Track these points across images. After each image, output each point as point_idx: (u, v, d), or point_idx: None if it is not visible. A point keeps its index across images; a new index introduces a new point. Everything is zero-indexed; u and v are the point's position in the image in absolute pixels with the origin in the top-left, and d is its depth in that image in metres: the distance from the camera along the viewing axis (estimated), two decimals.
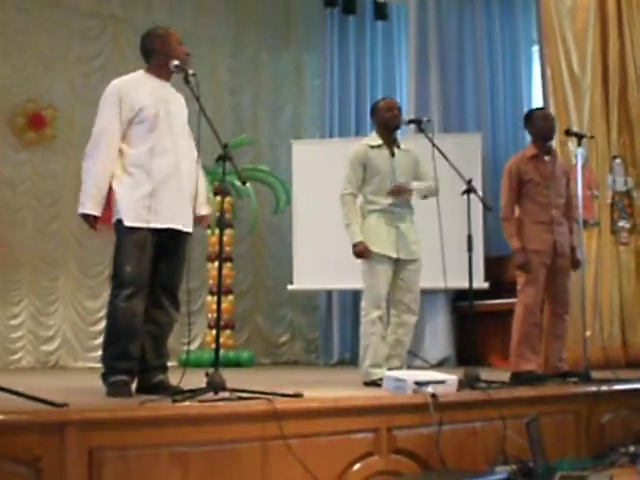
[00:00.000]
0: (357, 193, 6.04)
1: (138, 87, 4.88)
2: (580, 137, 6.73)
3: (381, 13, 10.85)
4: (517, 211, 6.41)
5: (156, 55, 4.98)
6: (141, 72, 5.01)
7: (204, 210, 5.13)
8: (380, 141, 6.07)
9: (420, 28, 10.06)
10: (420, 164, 6.16)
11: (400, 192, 5.94)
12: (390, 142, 6.09)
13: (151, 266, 4.81)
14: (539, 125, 6.50)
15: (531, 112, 6.72)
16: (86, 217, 4.71)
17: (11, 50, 9.63)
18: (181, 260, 4.96)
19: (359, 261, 5.99)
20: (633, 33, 8.94)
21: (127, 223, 4.70)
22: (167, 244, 4.84)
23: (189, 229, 4.96)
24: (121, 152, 4.80)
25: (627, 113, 8.81)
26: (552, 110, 8.14)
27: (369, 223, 5.97)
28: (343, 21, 11.15)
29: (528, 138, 6.66)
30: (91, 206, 4.69)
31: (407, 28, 10.43)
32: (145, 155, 4.77)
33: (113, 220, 4.77)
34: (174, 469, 3.76)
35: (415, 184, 6.02)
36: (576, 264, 6.52)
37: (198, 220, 5.11)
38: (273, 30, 11.38)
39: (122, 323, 4.69)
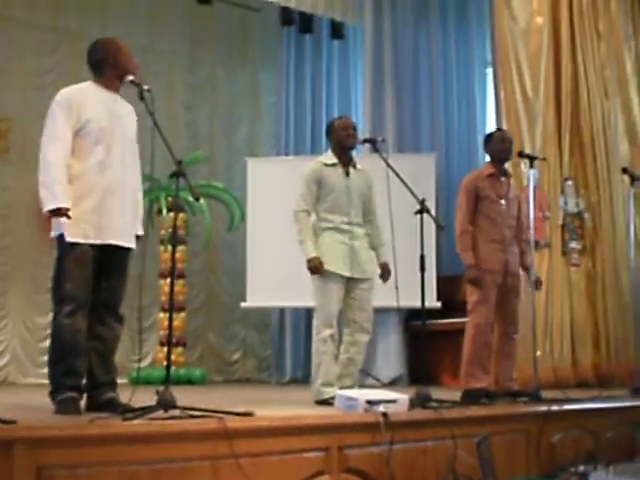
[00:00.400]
0: (311, 210, 6.03)
1: (87, 98, 4.79)
2: (532, 159, 6.81)
3: (337, 32, 10.89)
4: (470, 229, 6.45)
5: (105, 67, 4.90)
6: (89, 83, 4.91)
7: (140, 230, 5.07)
8: (335, 160, 6.09)
9: (376, 48, 10.12)
10: (373, 188, 6.18)
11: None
12: (345, 161, 6.11)
13: (93, 282, 4.77)
14: (497, 147, 6.58)
15: (490, 134, 6.81)
16: (57, 212, 4.56)
17: None
18: (123, 276, 4.91)
19: (311, 279, 6.00)
20: (586, 57, 9.07)
21: (69, 239, 4.62)
22: (109, 260, 4.78)
23: (131, 245, 4.91)
24: (69, 165, 4.70)
25: (579, 136, 8.93)
26: None
27: (322, 241, 5.96)
28: (300, 40, 11.18)
29: (482, 159, 6.74)
30: (62, 199, 4.54)
31: (363, 48, 10.47)
32: (91, 169, 4.69)
33: (53, 234, 4.68)
34: None
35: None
36: (537, 284, 6.59)
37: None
38: (230, 47, 11.38)
39: (66, 340, 4.65)
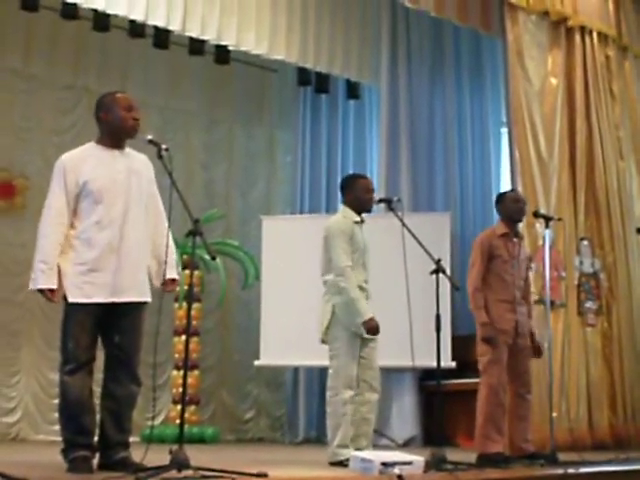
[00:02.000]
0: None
1: (84, 160, 4.80)
2: (548, 219, 6.82)
3: (353, 93, 10.95)
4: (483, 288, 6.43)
5: (102, 124, 4.92)
6: (91, 144, 4.93)
7: (172, 273, 4.98)
8: (358, 218, 6.09)
9: (391, 108, 10.16)
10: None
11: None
12: (361, 220, 6.13)
13: (104, 340, 4.76)
14: (510, 207, 6.57)
15: (503, 194, 6.79)
16: (42, 292, 4.65)
17: None
18: (136, 332, 4.86)
19: (327, 338, 5.95)
20: (600, 118, 9.11)
21: (70, 299, 4.66)
22: (119, 316, 4.76)
23: (141, 299, 4.86)
24: (72, 226, 4.75)
25: (594, 196, 8.93)
26: (520, 191, 8.24)
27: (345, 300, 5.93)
28: (316, 99, 11.25)
29: (496, 218, 6.71)
30: (43, 281, 4.63)
31: (379, 108, 10.52)
32: (90, 228, 4.71)
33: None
34: None
35: None
36: (538, 351, 6.54)
37: (166, 284, 4.96)
38: (247, 106, 11.46)
39: (70, 397, 4.66)
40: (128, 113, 4.90)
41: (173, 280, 5.01)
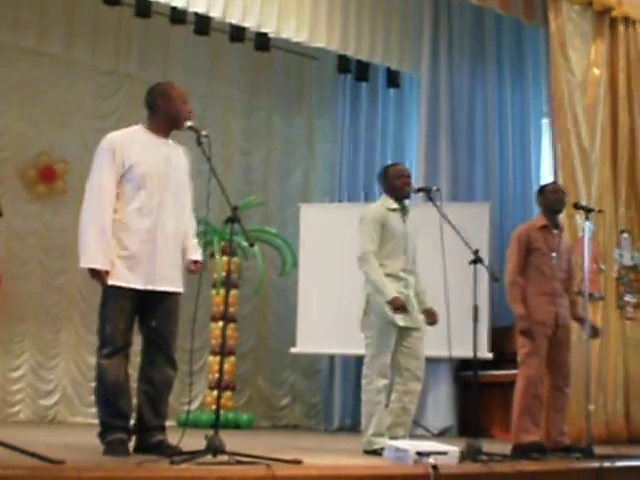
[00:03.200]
0: (376, 252, 5.96)
1: (132, 143, 4.81)
2: (588, 211, 6.77)
3: (393, 81, 10.91)
4: (521, 281, 6.39)
5: (156, 111, 4.93)
6: (138, 127, 4.95)
7: (195, 255, 4.97)
8: (396, 205, 6.06)
9: (432, 97, 10.14)
10: (418, 236, 6.17)
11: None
12: (402, 207, 6.10)
13: (141, 325, 4.79)
14: (550, 198, 6.53)
15: (543, 186, 6.75)
16: (95, 272, 4.63)
17: (25, 104, 9.71)
18: (172, 318, 4.88)
19: (363, 326, 5.95)
20: None
21: (110, 282, 4.66)
22: (156, 303, 4.79)
23: (176, 289, 4.87)
24: (114, 210, 4.74)
25: (635, 188, 8.86)
26: (561, 183, 8.19)
27: None
28: (356, 88, 11.23)
29: (536, 209, 6.68)
30: (101, 261, 4.61)
31: (419, 97, 10.50)
32: (131, 215, 4.72)
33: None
34: None
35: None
36: (596, 332, 6.52)
37: (190, 264, 4.95)
38: (286, 94, 11.48)
39: (107, 381, 4.70)
40: (185, 105, 4.94)
41: (195, 261, 4.97)
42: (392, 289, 5.79)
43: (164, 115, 4.90)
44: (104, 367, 4.70)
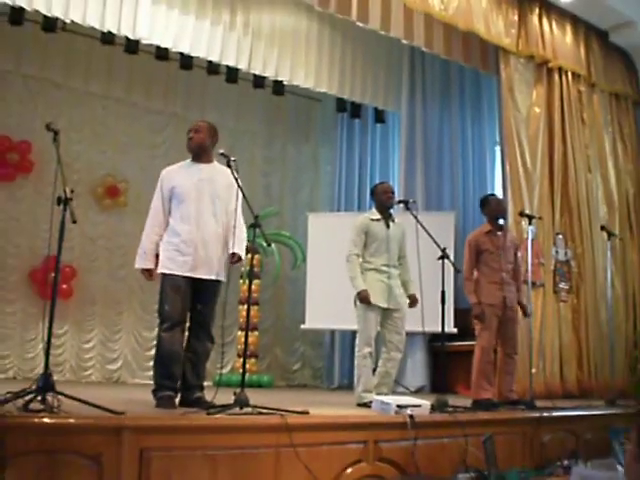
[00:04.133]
0: (360, 254, 6.00)
1: (177, 172, 4.99)
2: (531, 217, 6.77)
3: (380, 118, 10.93)
4: (475, 273, 6.41)
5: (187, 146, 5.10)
6: (188, 160, 5.08)
7: (237, 248, 4.89)
8: (379, 216, 6.08)
9: (409, 130, 10.15)
10: (405, 237, 6.18)
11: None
12: (386, 216, 6.11)
13: (190, 307, 4.81)
14: (492, 207, 6.53)
15: (486, 197, 6.72)
16: (142, 270, 4.91)
17: (96, 138, 9.74)
18: (212, 302, 4.92)
19: (355, 308, 5.96)
20: (573, 140, 9.03)
21: (164, 271, 4.79)
22: (200, 289, 4.84)
23: (217, 277, 4.89)
24: (168, 221, 4.91)
25: (568, 200, 8.85)
26: (509, 196, 8.22)
27: (366, 278, 5.93)
28: (350, 123, 11.24)
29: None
30: (140, 262, 4.90)
31: (399, 130, 10.51)
32: (178, 222, 4.84)
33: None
34: (205, 468, 3.74)
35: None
36: (525, 312, 6.50)
37: (233, 256, 4.90)
38: (297, 128, 11.48)
39: (165, 349, 4.72)
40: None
41: (233, 254, 4.91)
42: (361, 284, 5.85)
43: (188, 147, 5.05)
44: (163, 339, 4.73)
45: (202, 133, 5.02)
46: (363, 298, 5.81)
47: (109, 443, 3.46)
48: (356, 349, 5.91)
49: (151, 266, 4.85)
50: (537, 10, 8.96)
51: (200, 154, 5.01)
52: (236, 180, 4.70)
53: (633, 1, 9.33)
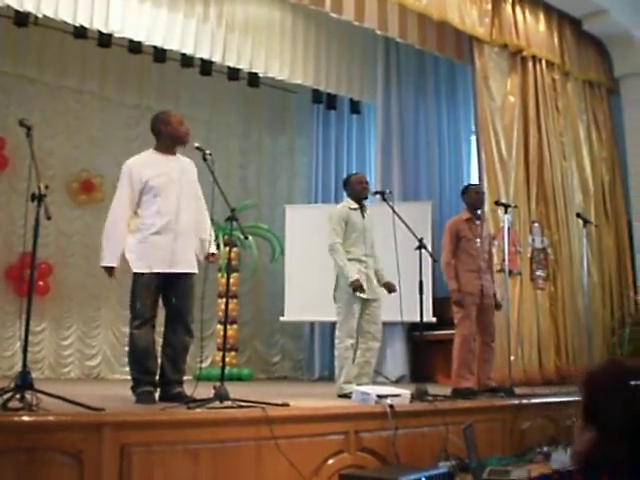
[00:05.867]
0: (342, 243, 5.99)
1: (145, 164, 4.89)
2: (507, 206, 6.81)
3: (355, 109, 10.93)
4: (453, 261, 6.44)
5: (161, 135, 4.99)
6: (150, 151, 5.02)
7: (212, 249, 5.08)
8: (356, 205, 6.09)
9: (385, 120, 10.15)
10: (374, 228, 6.18)
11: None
12: (362, 207, 6.13)
13: (165, 302, 4.80)
14: (472, 197, 6.58)
15: (467, 187, 6.78)
16: (105, 268, 4.79)
17: (70, 132, 9.66)
18: (188, 294, 4.91)
19: (335, 298, 5.97)
20: (548, 128, 9.09)
21: (134, 270, 4.75)
22: (174, 283, 4.82)
23: (191, 270, 4.90)
24: (136, 214, 4.83)
25: (543, 189, 8.92)
26: (485, 185, 8.25)
27: None
28: (326, 114, 11.21)
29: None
30: (108, 260, 4.78)
31: (375, 120, 10.51)
32: (151, 216, 4.79)
33: (134, 270, 4.80)
34: (187, 462, 3.74)
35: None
36: (498, 306, 6.54)
37: (207, 257, 5.05)
38: (273, 120, 11.45)
39: (139, 346, 4.72)
40: (181, 126, 4.95)
41: (213, 254, 5.09)
42: (354, 273, 5.82)
43: (166, 136, 4.95)
44: (135, 335, 4.74)
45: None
46: (358, 287, 5.79)
47: (89, 440, 3.45)
48: (336, 340, 5.93)
49: (116, 264, 4.76)
50: None
51: (174, 147, 5.00)
52: (212, 174, 4.69)
53: None
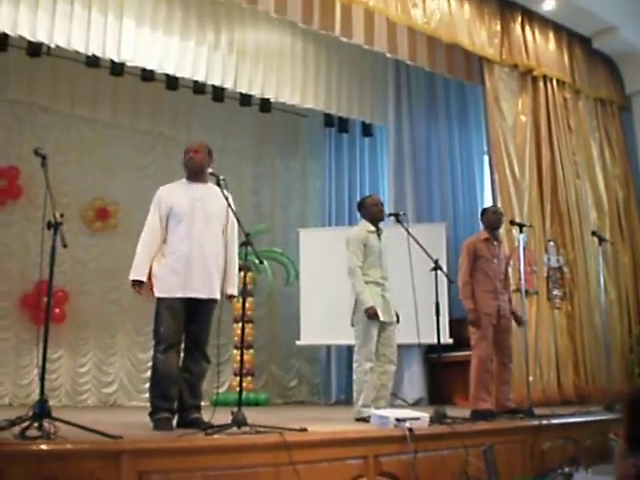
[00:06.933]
0: (361, 266, 5.97)
1: (173, 191, 4.98)
2: (522, 226, 6.80)
3: (367, 131, 10.96)
4: (470, 281, 6.41)
5: (185, 167, 5.09)
6: (183, 180, 5.10)
7: (231, 290, 5.08)
8: (373, 228, 6.09)
9: (397, 142, 10.16)
10: (389, 251, 6.16)
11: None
12: (378, 229, 6.12)
13: (184, 327, 4.80)
14: (490, 217, 6.58)
15: (485, 208, 6.80)
16: (133, 282, 4.80)
17: (84, 160, 9.73)
18: (207, 322, 4.93)
19: (352, 322, 5.94)
20: (561, 147, 9.08)
21: (161, 295, 4.77)
22: (195, 310, 4.84)
23: (213, 296, 4.92)
24: (164, 240, 4.88)
25: (557, 207, 8.89)
26: (499, 205, 8.22)
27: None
28: (338, 138, 11.25)
29: (481, 227, 6.70)
30: (135, 274, 4.80)
31: (387, 142, 10.53)
32: (176, 241, 4.83)
33: (156, 294, 4.84)
34: None
35: None
36: (520, 322, 6.51)
37: (228, 297, 5.09)
38: (285, 144, 11.49)
39: (161, 371, 4.70)
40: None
41: (232, 296, 5.10)
42: (369, 299, 5.81)
43: (185, 168, 5.04)
44: (160, 360, 4.74)
45: (201, 153, 5.08)
46: (372, 314, 5.78)
47: (107, 467, 3.43)
48: (355, 364, 5.89)
49: (144, 279, 4.79)
50: (519, 19, 9.04)
51: (198, 174, 5.04)
52: (226, 199, 4.71)
53: (614, 7, 9.43)
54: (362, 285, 5.87)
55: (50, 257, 3.89)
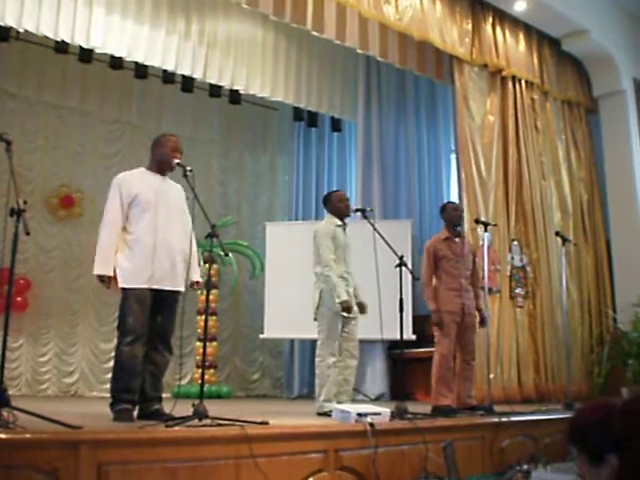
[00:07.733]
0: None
1: (135, 179, 4.90)
2: (486, 225, 6.84)
3: (336, 126, 10.97)
4: (434, 281, 6.46)
5: (154, 156, 5.03)
6: (141, 168, 5.04)
7: (196, 277, 5.08)
8: (340, 222, 6.11)
9: (366, 138, 10.18)
10: (352, 246, 6.19)
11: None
12: (343, 224, 6.14)
13: (150, 318, 4.77)
14: (450, 214, 6.60)
15: (444, 204, 6.80)
16: (100, 277, 4.71)
17: (50, 147, 9.62)
18: (173, 313, 4.91)
19: (317, 316, 5.95)
20: (527, 147, 9.15)
21: (129, 285, 4.71)
22: (160, 301, 4.81)
23: (179, 288, 4.91)
24: (125, 229, 4.81)
25: (522, 207, 8.96)
26: (465, 203, 8.29)
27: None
28: (307, 132, 11.26)
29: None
30: (101, 268, 4.70)
31: (356, 138, 10.56)
32: (140, 231, 4.77)
33: (122, 285, 4.76)
34: None
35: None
36: (483, 321, 6.57)
37: (192, 284, 5.07)
38: (254, 137, 11.45)
39: (125, 363, 4.66)
40: (172, 153, 4.94)
41: (197, 282, 5.10)
42: (344, 293, 5.82)
43: (156, 159, 5.00)
44: (125, 352, 4.67)
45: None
46: (348, 308, 5.81)
47: (66, 458, 3.40)
48: (318, 359, 5.90)
49: (111, 273, 4.71)
50: (490, 19, 9.09)
51: (166, 170, 5.01)
52: (193, 190, 4.68)
53: (584, 10, 9.52)
54: (337, 278, 5.89)
55: (12, 244, 3.83)
